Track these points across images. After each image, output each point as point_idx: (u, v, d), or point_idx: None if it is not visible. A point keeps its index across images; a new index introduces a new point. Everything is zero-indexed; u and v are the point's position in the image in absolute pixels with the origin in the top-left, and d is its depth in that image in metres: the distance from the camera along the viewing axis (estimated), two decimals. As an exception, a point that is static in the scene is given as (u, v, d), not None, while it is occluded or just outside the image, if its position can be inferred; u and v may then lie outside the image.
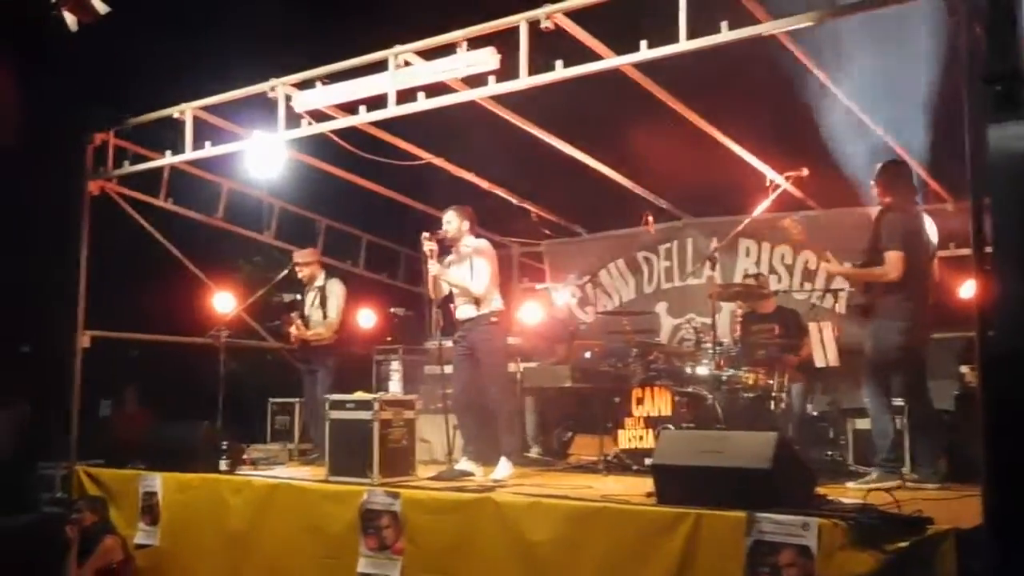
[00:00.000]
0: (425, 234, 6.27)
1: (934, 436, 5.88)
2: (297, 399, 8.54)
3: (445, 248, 6.46)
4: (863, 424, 6.95)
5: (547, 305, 8.97)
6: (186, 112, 6.97)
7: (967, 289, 7.72)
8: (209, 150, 7.11)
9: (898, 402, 6.52)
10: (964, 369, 6.79)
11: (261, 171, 7.52)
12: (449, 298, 6.56)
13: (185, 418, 7.41)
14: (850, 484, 5.46)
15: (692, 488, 4.65)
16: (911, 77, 6.09)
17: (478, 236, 6.47)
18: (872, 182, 6.00)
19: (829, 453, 6.88)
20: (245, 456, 7.21)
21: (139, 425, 8.96)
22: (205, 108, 7.02)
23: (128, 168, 7.54)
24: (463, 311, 6.37)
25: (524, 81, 5.56)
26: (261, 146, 7.00)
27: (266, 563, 6.04)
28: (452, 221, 6.38)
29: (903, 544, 4.03)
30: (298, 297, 8.02)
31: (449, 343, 8.15)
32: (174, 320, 9.02)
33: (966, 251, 7.53)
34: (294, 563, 5.90)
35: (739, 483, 4.50)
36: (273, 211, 9.06)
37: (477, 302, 6.27)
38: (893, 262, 5.63)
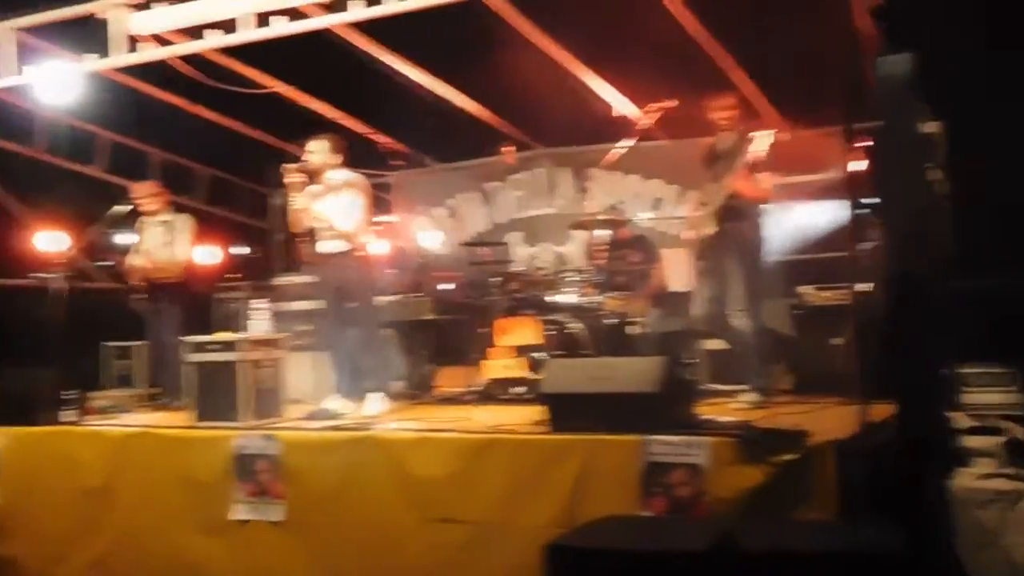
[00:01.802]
0: (289, 166, 5.95)
1: (769, 351, 6.18)
2: (137, 342, 8.06)
3: (310, 179, 6.15)
4: (714, 345, 7.31)
5: (396, 237, 8.82)
6: (3, 33, 6.28)
7: (801, 213, 8.18)
8: (29, 75, 6.46)
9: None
10: (806, 289, 7.17)
11: (80, 99, 6.91)
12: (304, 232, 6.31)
13: (8, 368, 6.83)
14: (734, 404, 5.68)
15: (583, 415, 4.71)
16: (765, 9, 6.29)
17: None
18: (720, 109, 6.10)
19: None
20: (90, 405, 6.73)
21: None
22: (24, 29, 6.35)
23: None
24: (329, 245, 6.14)
25: (393, 6, 5.33)
26: (80, 73, 6.42)
27: (129, 517, 5.68)
28: (319, 151, 6.07)
29: (787, 457, 4.26)
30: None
31: (299, 279, 7.96)
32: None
33: (799, 178, 8.12)
34: (160, 515, 5.58)
35: (629, 407, 4.61)
36: (103, 143, 8.38)
37: (344, 237, 6.05)
38: (770, 183, 5.89)
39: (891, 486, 3.78)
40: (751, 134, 5.81)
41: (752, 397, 5.71)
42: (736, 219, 5.91)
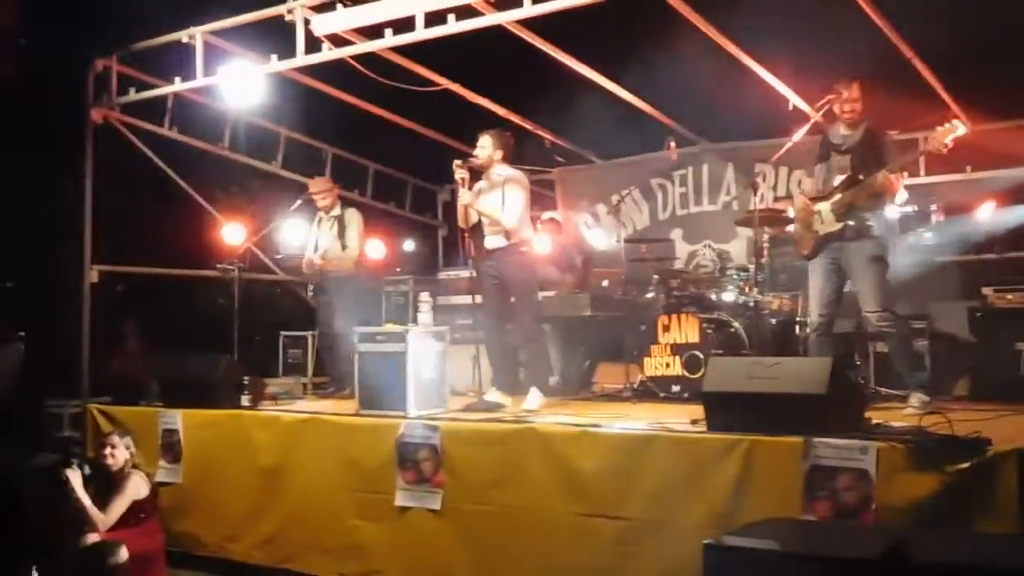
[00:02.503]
0: (457, 161, 6.08)
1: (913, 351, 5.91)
2: (309, 332, 8.42)
3: (476, 175, 6.26)
4: (884, 347, 6.99)
5: (558, 233, 8.86)
6: (196, 37, 6.69)
7: (984, 211, 7.74)
8: (221, 76, 6.84)
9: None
10: (987, 290, 6.78)
11: (267, 98, 7.32)
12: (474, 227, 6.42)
13: (192, 353, 7.29)
14: (907, 411, 5.37)
15: (744, 415, 4.61)
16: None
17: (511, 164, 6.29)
18: (845, 100, 5.71)
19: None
20: (266, 391, 7.07)
21: (143, 361, 8.80)
22: (216, 32, 6.74)
23: (134, 96, 7.26)
24: (492, 241, 6.23)
25: (562, 2, 5.35)
26: (263, 73, 6.78)
27: (298, 500, 5.98)
28: (485, 147, 6.18)
29: (964, 465, 4.03)
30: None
31: (463, 273, 8.13)
32: (173, 252, 8.84)
33: (981, 174, 7.69)
34: (328, 499, 5.84)
35: (793, 409, 4.48)
36: (280, 140, 8.80)
37: (507, 232, 6.14)
38: (900, 184, 5.57)
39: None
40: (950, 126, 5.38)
41: (919, 398, 5.43)
42: (865, 217, 5.59)
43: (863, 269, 5.60)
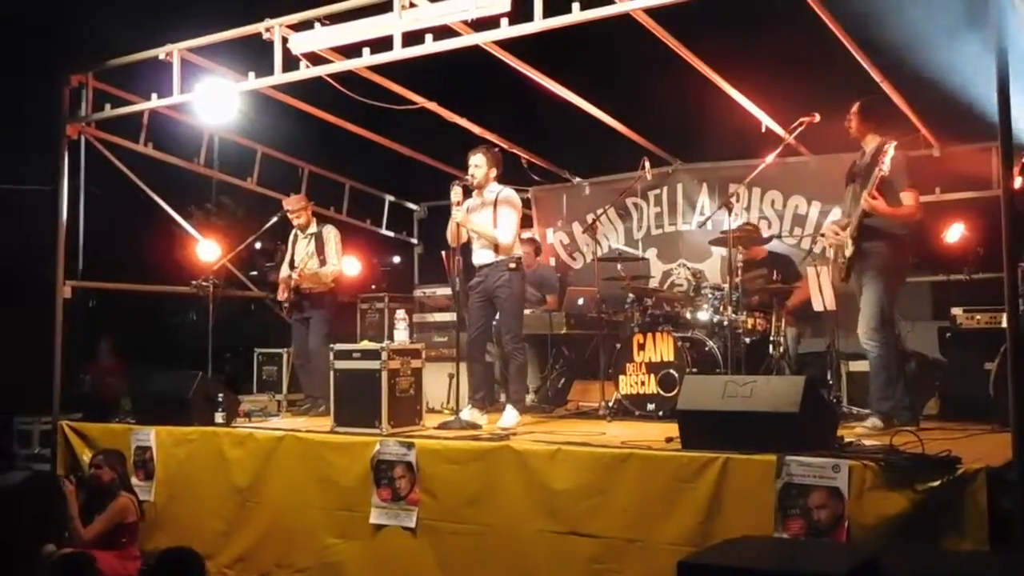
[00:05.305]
0: (455, 181, 6.17)
1: (900, 376, 5.84)
2: (284, 349, 8.39)
3: (467, 192, 6.33)
4: (856, 367, 7.07)
5: (535, 251, 8.90)
6: (173, 53, 6.67)
7: (952, 234, 7.86)
8: (198, 93, 6.83)
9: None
10: (956, 311, 6.88)
11: (244, 115, 7.33)
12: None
13: (165, 370, 7.24)
14: (858, 429, 5.44)
15: (718, 433, 4.67)
16: (914, 17, 6.07)
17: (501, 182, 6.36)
18: (857, 117, 5.87)
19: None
20: (240, 408, 7.05)
21: (117, 377, 8.76)
22: (193, 49, 6.74)
23: (109, 112, 7.23)
24: (480, 256, 6.28)
25: (539, 24, 5.40)
26: (240, 91, 6.79)
27: (272, 517, 5.95)
28: (480, 165, 6.26)
29: (934, 483, 4.09)
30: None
31: (439, 291, 8.15)
32: (147, 268, 8.82)
33: (952, 195, 7.81)
34: (302, 516, 5.82)
35: (766, 427, 4.54)
36: (257, 157, 8.79)
37: (497, 247, 6.18)
38: (916, 201, 5.65)
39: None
40: (886, 146, 5.52)
41: (874, 423, 5.48)
42: (872, 239, 5.66)
43: (864, 288, 5.72)
